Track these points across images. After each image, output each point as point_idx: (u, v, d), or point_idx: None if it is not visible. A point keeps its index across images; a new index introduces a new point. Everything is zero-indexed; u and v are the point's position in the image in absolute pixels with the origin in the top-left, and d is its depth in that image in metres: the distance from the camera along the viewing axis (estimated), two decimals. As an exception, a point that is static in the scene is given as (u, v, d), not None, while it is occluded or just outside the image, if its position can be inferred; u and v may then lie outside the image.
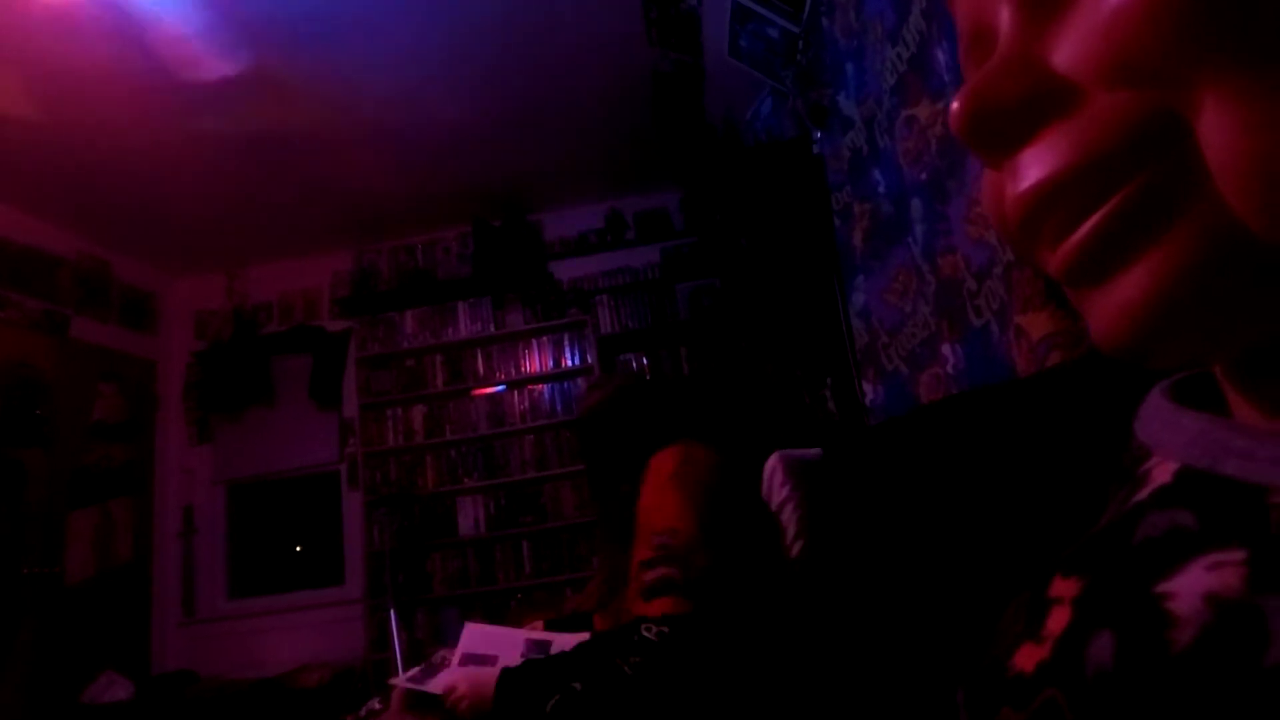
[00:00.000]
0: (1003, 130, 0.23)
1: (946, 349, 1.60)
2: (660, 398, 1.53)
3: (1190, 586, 0.20)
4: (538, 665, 1.22)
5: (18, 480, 3.29)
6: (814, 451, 1.40)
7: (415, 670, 1.47)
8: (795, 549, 1.26)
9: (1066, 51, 0.21)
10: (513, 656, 1.44)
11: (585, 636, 1.31)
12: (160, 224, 3.94)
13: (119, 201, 3.63)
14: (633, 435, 1.44)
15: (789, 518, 1.29)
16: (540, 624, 1.67)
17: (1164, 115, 0.19)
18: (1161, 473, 0.25)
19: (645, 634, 1.09)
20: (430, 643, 3.78)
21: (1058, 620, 0.25)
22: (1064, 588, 0.26)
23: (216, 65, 2.71)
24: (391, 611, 3.41)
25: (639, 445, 1.40)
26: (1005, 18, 0.24)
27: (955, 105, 0.23)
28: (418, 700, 1.35)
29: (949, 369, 1.60)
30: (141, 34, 2.52)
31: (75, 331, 3.78)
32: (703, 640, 1.12)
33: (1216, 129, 0.18)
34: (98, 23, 2.44)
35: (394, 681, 1.45)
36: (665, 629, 1.10)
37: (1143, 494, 0.25)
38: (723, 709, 1.16)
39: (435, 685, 1.32)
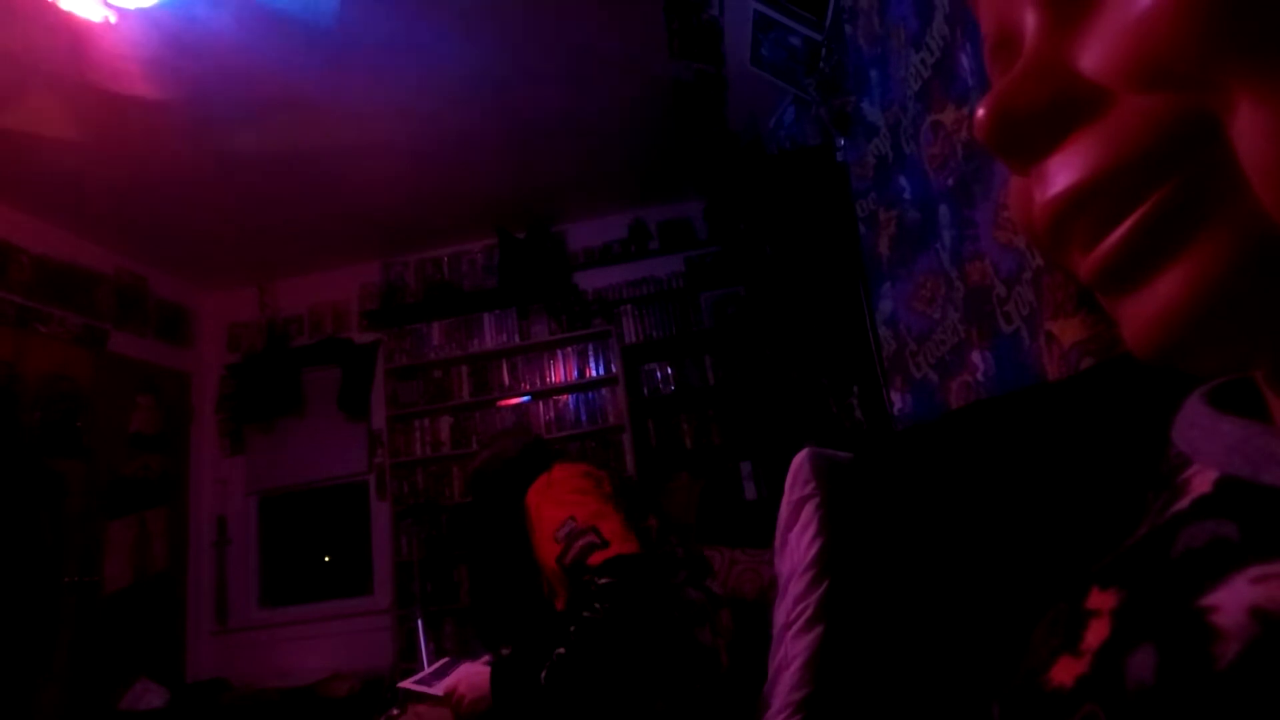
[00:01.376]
0: (1030, 136, 0.22)
1: (976, 356, 1.58)
2: (535, 450, 1.67)
3: (1234, 600, 0.20)
4: (522, 650, 1.29)
5: (58, 491, 3.38)
6: (844, 454, 1.39)
7: (429, 670, 1.53)
8: (814, 548, 1.26)
9: (1094, 55, 0.21)
10: None
11: None
12: (195, 240, 4.04)
13: (156, 219, 3.73)
14: (517, 480, 1.57)
15: (810, 515, 1.29)
16: None
17: (1196, 117, 0.19)
18: (1201, 481, 0.24)
19: (600, 582, 1.20)
20: (457, 652, 3.80)
21: (1096, 633, 0.24)
22: (1102, 600, 0.25)
23: (243, 86, 2.77)
24: (419, 621, 3.44)
25: (519, 487, 1.53)
26: (1031, 22, 0.23)
27: (980, 112, 0.23)
28: (423, 699, 1.41)
29: (979, 376, 1.58)
30: (177, 57, 2.59)
31: (114, 345, 3.88)
32: (646, 569, 1.25)
33: (1250, 130, 0.18)
34: (135, 47, 2.52)
35: (404, 684, 1.51)
36: (609, 573, 1.21)
37: (1182, 503, 0.25)
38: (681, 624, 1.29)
39: (439, 687, 1.37)
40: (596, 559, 1.24)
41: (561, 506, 1.36)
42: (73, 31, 2.38)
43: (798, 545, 1.28)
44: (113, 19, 2.32)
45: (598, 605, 1.19)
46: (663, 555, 1.39)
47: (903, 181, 1.89)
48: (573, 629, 1.20)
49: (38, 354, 3.41)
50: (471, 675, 1.30)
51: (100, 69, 2.61)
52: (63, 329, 3.59)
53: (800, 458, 1.34)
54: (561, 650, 1.18)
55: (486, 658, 1.52)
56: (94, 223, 3.67)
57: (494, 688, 1.25)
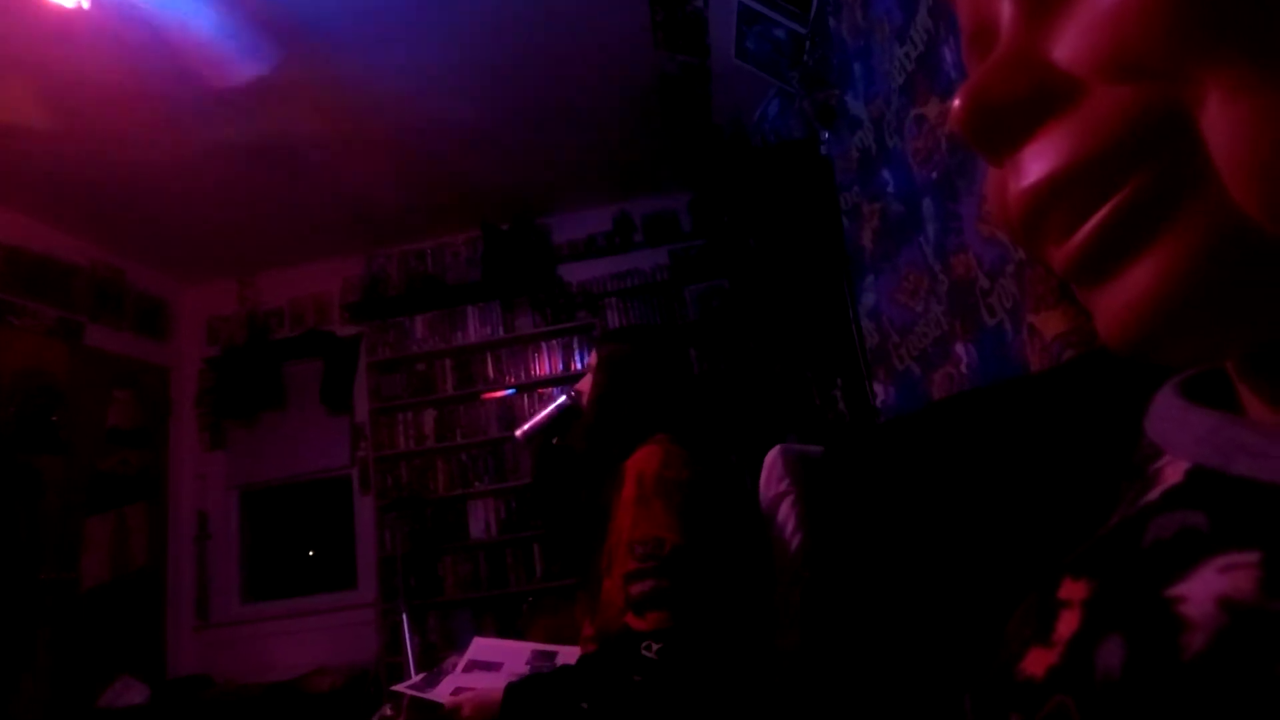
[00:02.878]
0: (1004, 127, 0.22)
1: (959, 348, 1.59)
2: (677, 364, 1.48)
3: (1202, 590, 0.20)
4: (542, 681, 1.21)
5: (35, 487, 3.33)
6: (816, 448, 1.39)
7: (420, 678, 1.47)
8: (794, 543, 1.25)
9: (1067, 46, 0.21)
10: (518, 664, 1.44)
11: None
12: (173, 231, 3.98)
13: (133, 210, 3.67)
14: (624, 417, 1.38)
15: (786, 512, 1.28)
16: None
17: (1167, 109, 0.19)
18: (1172, 472, 0.25)
19: (645, 652, 1.08)
20: (443, 646, 3.79)
21: (1067, 624, 0.24)
22: (1073, 590, 0.25)
23: (224, 73, 2.73)
24: (404, 615, 3.42)
25: (626, 433, 1.35)
26: (1006, 13, 0.23)
27: (956, 102, 0.23)
28: (422, 707, 1.35)
29: (962, 368, 1.59)
30: (153, 44, 2.55)
31: (90, 339, 3.82)
32: (701, 653, 1.11)
33: (1220, 122, 0.18)
34: (110, 33, 2.47)
35: (398, 687, 1.46)
36: (662, 645, 1.08)
37: (1153, 494, 0.25)
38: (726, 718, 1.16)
39: (438, 693, 1.32)
40: (652, 620, 1.09)
41: (660, 518, 1.17)
42: (48, 19, 2.32)
43: (776, 543, 1.29)
44: (85, 5, 2.27)
45: (636, 677, 1.07)
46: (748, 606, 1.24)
47: (886, 175, 1.90)
48: (600, 685, 1.11)
49: (12, 347, 3.35)
50: (479, 696, 1.22)
51: (76, 57, 2.56)
52: (37, 322, 3.53)
53: (772, 455, 1.33)
54: (585, 706, 1.09)
55: (469, 655, 1.49)
56: (70, 214, 3.60)
57: (504, 717, 1.17)
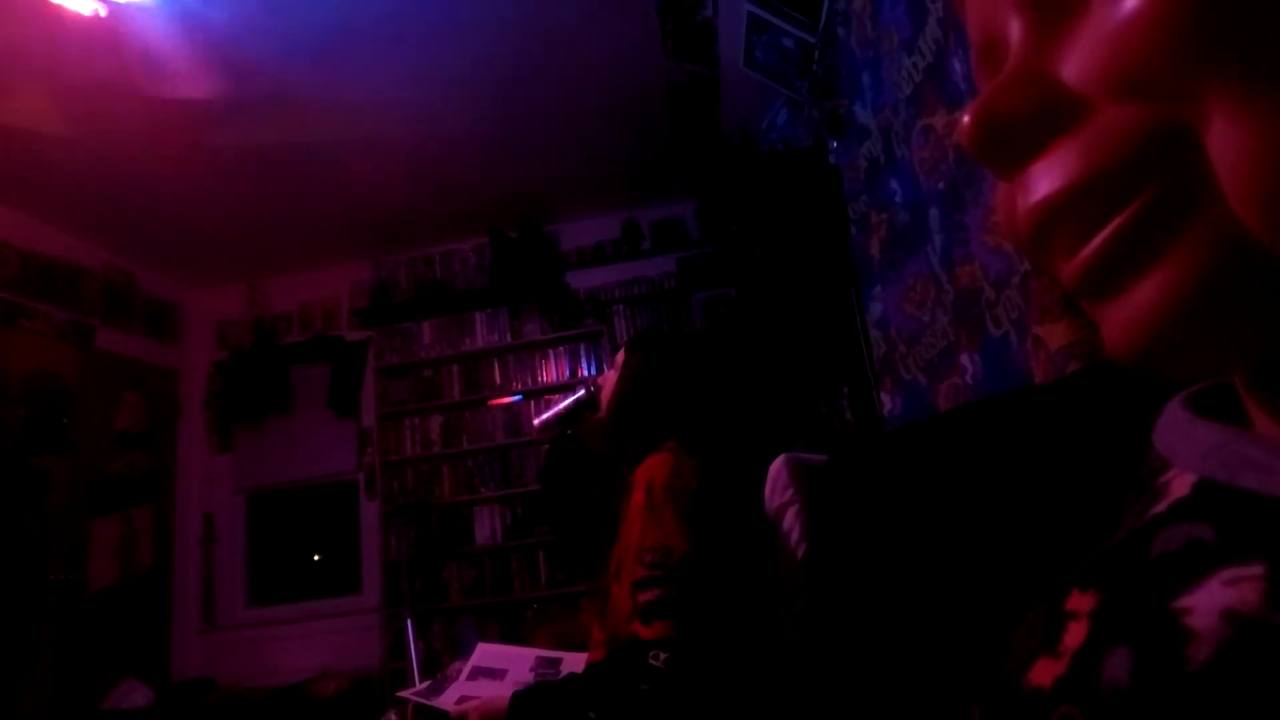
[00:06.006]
0: (1013, 144, 0.23)
1: (965, 359, 1.59)
2: (700, 376, 1.49)
3: (1208, 602, 0.20)
4: (549, 690, 1.21)
5: (43, 488, 3.35)
6: (821, 457, 1.38)
7: (425, 685, 1.46)
8: (799, 552, 1.25)
9: (1075, 65, 0.21)
10: (522, 671, 1.44)
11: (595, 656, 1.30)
12: (183, 236, 4.01)
13: (144, 214, 3.70)
14: (664, 405, 1.39)
15: (791, 521, 1.28)
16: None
17: (1172, 127, 0.19)
18: (1179, 485, 0.25)
19: (652, 661, 1.08)
20: (447, 652, 3.79)
21: (1074, 635, 0.25)
22: (1081, 601, 0.25)
23: (234, 81, 2.76)
24: (408, 621, 3.42)
25: (635, 442, 1.36)
26: (1015, 30, 0.24)
27: (965, 119, 0.23)
28: (427, 714, 1.34)
29: (968, 379, 1.59)
30: (167, 50, 2.57)
31: (100, 341, 3.85)
32: (708, 662, 1.11)
33: (1224, 141, 0.18)
34: (124, 39, 2.50)
35: (403, 694, 1.46)
36: (669, 654, 1.08)
37: (1160, 506, 0.25)
38: None
39: (444, 701, 1.31)
40: (659, 629, 1.09)
41: (670, 524, 1.16)
42: (62, 25, 2.35)
43: (782, 552, 1.28)
44: (102, 12, 2.30)
45: (644, 687, 1.06)
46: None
47: (894, 184, 1.90)
48: (608, 695, 1.10)
49: (22, 350, 3.38)
50: (485, 704, 1.21)
51: (90, 63, 2.59)
52: (48, 324, 3.55)
53: (777, 464, 1.33)
54: (592, 715, 1.09)
55: (473, 661, 1.49)
56: (82, 218, 3.64)
57: None
